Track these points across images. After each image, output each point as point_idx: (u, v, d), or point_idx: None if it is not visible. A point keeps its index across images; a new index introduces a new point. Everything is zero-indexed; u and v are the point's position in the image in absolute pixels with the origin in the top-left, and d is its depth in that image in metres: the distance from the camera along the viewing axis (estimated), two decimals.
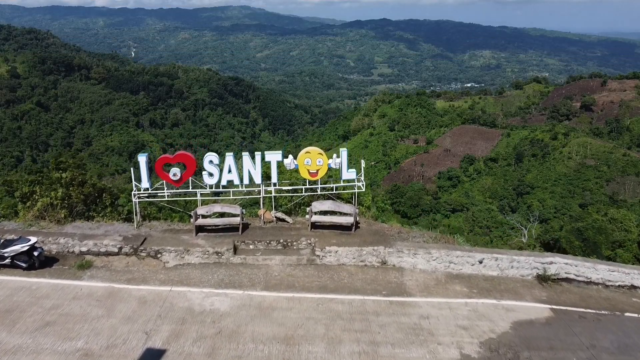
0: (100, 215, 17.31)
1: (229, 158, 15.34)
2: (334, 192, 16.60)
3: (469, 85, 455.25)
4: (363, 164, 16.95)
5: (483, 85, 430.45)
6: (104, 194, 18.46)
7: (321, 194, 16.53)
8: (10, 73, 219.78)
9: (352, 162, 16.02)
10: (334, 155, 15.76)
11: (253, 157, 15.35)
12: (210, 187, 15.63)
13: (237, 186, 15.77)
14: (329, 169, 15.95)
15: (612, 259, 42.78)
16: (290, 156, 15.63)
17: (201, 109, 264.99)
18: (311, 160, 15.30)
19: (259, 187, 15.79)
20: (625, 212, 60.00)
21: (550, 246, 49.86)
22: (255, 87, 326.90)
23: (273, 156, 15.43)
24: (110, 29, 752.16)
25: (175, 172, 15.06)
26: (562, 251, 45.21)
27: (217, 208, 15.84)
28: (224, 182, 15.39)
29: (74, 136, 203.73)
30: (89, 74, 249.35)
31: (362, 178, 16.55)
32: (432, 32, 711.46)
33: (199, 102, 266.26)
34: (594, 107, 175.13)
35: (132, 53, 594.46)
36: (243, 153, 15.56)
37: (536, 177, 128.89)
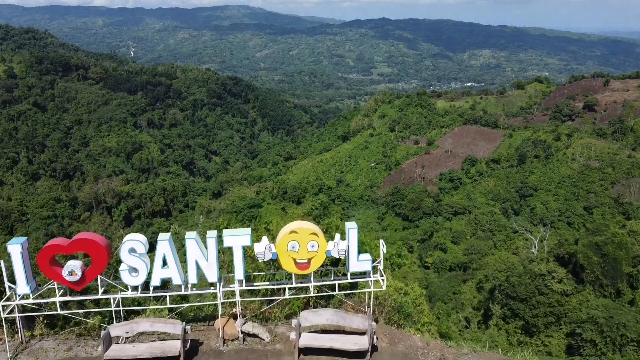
0: None
1: (163, 245, 10.14)
2: (337, 292, 11.31)
3: (468, 84, 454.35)
4: (383, 248, 11.35)
5: (483, 84, 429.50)
6: None
7: (316, 297, 11.54)
8: (7, 73, 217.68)
9: (364, 235, 11.45)
10: (337, 236, 10.51)
11: (204, 241, 10.41)
12: (134, 289, 10.50)
13: (178, 287, 10.66)
14: (328, 257, 10.72)
15: (633, 277, 40.54)
16: (265, 239, 10.48)
17: (200, 109, 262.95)
18: (299, 245, 9.98)
19: (215, 287, 10.78)
20: None
21: (565, 261, 47.68)
22: (254, 87, 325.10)
23: (236, 239, 10.23)
24: (110, 28, 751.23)
25: (72, 269, 9.91)
26: (579, 267, 43.16)
27: (145, 325, 10.58)
28: (156, 282, 10.38)
29: (71, 137, 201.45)
30: (87, 74, 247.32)
31: (382, 267, 11.24)
32: (432, 32, 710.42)
33: (198, 102, 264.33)
34: (597, 107, 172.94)
35: (131, 53, 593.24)
36: (187, 235, 10.27)
37: (539, 179, 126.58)
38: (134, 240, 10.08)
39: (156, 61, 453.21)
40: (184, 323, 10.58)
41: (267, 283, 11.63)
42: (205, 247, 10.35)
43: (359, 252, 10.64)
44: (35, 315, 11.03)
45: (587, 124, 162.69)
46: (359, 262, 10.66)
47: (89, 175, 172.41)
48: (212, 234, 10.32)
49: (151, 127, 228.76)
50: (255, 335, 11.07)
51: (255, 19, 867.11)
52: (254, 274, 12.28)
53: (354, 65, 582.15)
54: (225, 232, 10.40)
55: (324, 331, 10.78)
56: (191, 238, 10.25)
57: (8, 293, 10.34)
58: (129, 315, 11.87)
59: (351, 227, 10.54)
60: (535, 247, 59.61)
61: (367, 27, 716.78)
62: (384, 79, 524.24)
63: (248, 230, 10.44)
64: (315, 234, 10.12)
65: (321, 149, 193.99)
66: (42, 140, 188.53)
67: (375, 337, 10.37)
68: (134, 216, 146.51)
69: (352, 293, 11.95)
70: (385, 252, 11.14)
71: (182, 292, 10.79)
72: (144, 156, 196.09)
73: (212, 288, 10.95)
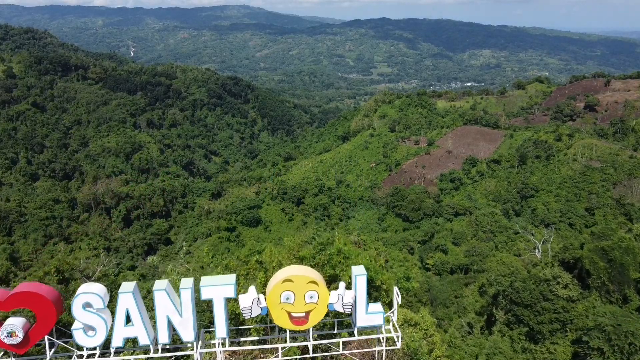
0: None
1: (126, 298, 8.19)
2: (342, 352, 9.36)
3: (468, 84, 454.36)
4: (398, 297, 9.51)
5: (483, 84, 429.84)
6: None
7: (313, 343, 9.36)
8: (6, 73, 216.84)
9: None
10: (341, 286, 8.80)
11: (177, 291, 8.40)
12: (91, 351, 8.55)
13: (146, 349, 8.71)
14: (330, 311, 8.78)
15: None
16: (253, 289, 8.54)
17: (199, 109, 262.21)
18: (295, 296, 8.26)
19: (192, 347, 8.86)
20: None
21: (571, 266, 46.75)
22: (254, 87, 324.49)
23: (217, 290, 8.27)
24: (109, 28, 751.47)
25: (12, 329, 8.01)
26: (585, 272, 42.16)
27: None
28: (118, 343, 8.48)
29: (70, 137, 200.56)
30: (86, 74, 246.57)
31: (396, 318, 9.49)
32: (432, 31, 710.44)
33: (197, 102, 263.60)
34: (598, 108, 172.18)
35: (131, 52, 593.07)
36: (156, 286, 8.29)
37: (540, 179, 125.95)
38: (90, 293, 8.07)
39: (156, 61, 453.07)
40: None
41: (257, 337, 9.69)
42: (179, 299, 8.36)
43: (369, 301, 8.68)
44: None
45: (588, 124, 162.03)
46: (369, 315, 8.81)
47: (88, 176, 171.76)
48: (187, 284, 8.30)
49: (151, 127, 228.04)
50: None
51: (255, 18, 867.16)
52: (242, 328, 10.00)
53: (354, 65, 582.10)
54: (204, 280, 8.48)
55: None
56: (161, 289, 8.26)
57: None
58: None
59: (359, 273, 8.54)
60: (539, 250, 58.52)
61: (367, 27, 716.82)
62: (384, 78, 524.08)
63: (232, 277, 8.54)
64: (314, 282, 8.30)
65: (321, 149, 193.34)
66: (41, 141, 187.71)
67: None
68: (133, 217, 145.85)
69: (360, 352, 9.65)
70: (400, 302, 9.28)
71: (151, 355, 8.72)
72: (143, 156, 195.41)
73: (189, 346, 8.87)
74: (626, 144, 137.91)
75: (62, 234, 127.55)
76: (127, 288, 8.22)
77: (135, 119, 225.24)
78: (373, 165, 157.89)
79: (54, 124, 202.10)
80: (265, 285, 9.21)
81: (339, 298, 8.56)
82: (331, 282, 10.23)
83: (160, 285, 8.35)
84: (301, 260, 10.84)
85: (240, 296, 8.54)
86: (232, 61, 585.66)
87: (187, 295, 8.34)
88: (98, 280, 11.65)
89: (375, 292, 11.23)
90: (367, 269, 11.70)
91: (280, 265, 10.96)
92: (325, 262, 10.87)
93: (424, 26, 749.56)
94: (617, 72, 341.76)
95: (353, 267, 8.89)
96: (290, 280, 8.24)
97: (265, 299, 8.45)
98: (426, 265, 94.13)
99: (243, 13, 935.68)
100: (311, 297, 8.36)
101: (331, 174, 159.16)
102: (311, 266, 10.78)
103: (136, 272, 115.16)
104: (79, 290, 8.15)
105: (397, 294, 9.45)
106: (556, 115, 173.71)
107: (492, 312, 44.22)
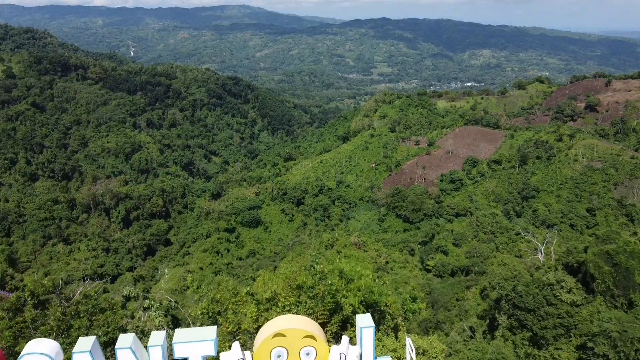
0: None
1: (82, 358, 6.74)
2: None
3: (469, 84, 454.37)
4: (412, 352, 8.38)
5: (483, 84, 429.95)
6: None
7: None
8: (6, 73, 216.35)
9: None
10: (343, 340, 7.56)
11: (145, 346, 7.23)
12: None
13: None
14: None
15: None
16: (237, 347, 7.40)
17: (199, 109, 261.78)
18: (288, 353, 7.09)
19: None
20: None
21: (574, 270, 46.19)
22: (254, 87, 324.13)
23: (193, 347, 7.02)
24: (109, 28, 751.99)
25: None
26: (590, 277, 41.52)
27: None
28: None
29: (69, 137, 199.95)
30: (86, 74, 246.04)
31: None
32: (432, 31, 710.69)
33: (197, 102, 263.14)
34: (599, 108, 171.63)
35: (131, 52, 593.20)
36: (120, 343, 6.93)
37: (541, 180, 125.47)
38: (37, 354, 6.57)
39: (156, 61, 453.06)
40: None
41: None
42: (148, 355, 7.09)
43: (376, 353, 7.55)
44: None
45: (589, 124, 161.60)
46: None
47: (88, 176, 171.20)
48: (157, 339, 7.06)
49: (150, 128, 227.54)
50: None
51: (255, 18, 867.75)
52: None
53: (354, 65, 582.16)
54: (177, 335, 7.13)
55: None
56: (124, 348, 6.89)
57: None
58: None
59: (365, 325, 7.33)
60: (541, 252, 57.88)
61: (367, 27, 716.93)
62: (384, 78, 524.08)
63: (212, 331, 7.11)
64: (311, 336, 7.10)
65: (321, 149, 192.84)
66: (41, 141, 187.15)
67: None
68: (132, 218, 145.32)
69: None
70: (414, 358, 8.10)
71: None
72: (143, 157, 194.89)
73: None
74: (627, 144, 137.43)
75: (61, 235, 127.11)
76: (84, 345, 6.83)
77: (135, 119, 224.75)
78: (373, 165, 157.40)
79: (54, 124, 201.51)
80: (256, 320, 8.30)
81: (341, 357, 7.25)
82: (332, 313, 9.40)
83: (125, 343, 6.91)
84: (299, 290, 10.01)
85: (221, 355, 7.28)
86: (232, 61, 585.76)
87: (156, 354, 7.00)
88: (78, 303, 10.99)
89: (378, 315, 10.24)
90: (371, 291, 10.99)
91: (274, 297, 10.16)
92: (326, 292, 9.94)
93: (424, 26, 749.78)
94: (617, 72, 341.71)
95: (358, 317, 7.76)
96: (283, 335, 7.00)
97: (252, 356, 7.26)
98: (427, 267, 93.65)
99: (243, 13, 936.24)
100: (307, 354, 7.05)
101: (331, 174, 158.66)
102: (309, 297, 10.05)
103: (135, 272, 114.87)
104: (24, 350, 6.75)
105: (412, 348, 8.20)
106: (557, 116, 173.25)
107: (495, 316, 43.71)
